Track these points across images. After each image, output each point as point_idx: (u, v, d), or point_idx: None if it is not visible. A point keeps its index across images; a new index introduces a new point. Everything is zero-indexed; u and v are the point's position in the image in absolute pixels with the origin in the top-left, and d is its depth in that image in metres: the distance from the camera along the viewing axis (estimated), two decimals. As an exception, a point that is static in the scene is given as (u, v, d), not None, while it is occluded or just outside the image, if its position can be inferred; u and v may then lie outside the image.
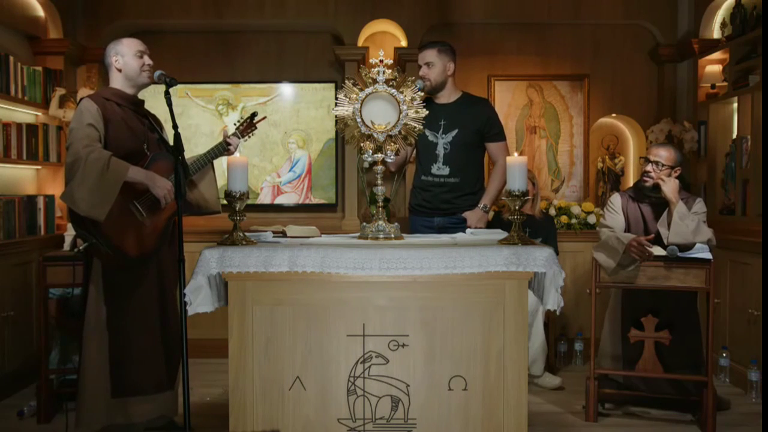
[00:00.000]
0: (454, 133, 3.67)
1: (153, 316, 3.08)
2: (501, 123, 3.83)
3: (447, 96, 3.75)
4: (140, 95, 3.19)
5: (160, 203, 3.01)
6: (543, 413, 3.69)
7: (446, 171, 3.69)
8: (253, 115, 3.40)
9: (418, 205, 3.81)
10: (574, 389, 4.02)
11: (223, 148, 3.27)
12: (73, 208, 2.86)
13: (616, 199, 3.73)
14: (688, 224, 3.41)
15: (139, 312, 3.04)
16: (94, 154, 2.84)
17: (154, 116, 3.25)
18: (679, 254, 3.41)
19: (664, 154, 3.59)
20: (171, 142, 2.68)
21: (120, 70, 3.07)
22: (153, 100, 3.25)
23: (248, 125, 3.38)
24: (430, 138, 3.66)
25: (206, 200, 3.28)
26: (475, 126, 3.69)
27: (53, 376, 3.61)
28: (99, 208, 2.81)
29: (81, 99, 3.04)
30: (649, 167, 3.60)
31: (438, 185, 3.71)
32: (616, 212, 3.69)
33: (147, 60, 3.09)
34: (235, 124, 3.39)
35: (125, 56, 3.06)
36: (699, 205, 3.58)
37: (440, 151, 3.69)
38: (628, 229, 3.64)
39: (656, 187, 3.57)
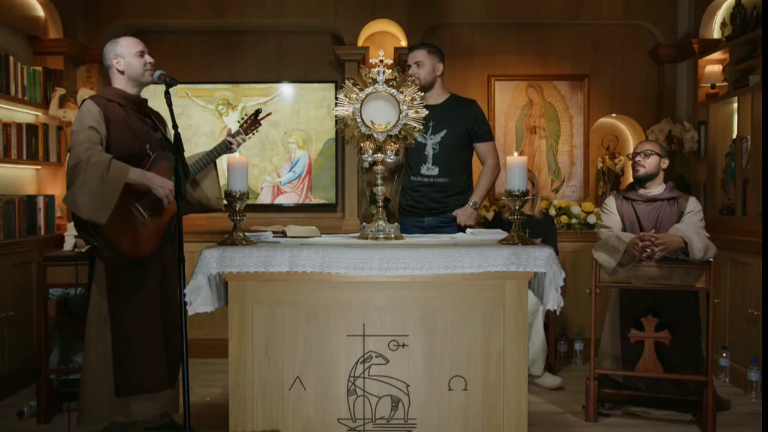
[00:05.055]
0: (443, 133, 3.70)
1: (155, 315, 3.08)
2: (489, 123, 3.89)
3: (436, 97, 3.78)
4: (140, 95, 3.19)
5: (163, 203, 3.02)
6: (543, 413, 3.69)
7: (435, 171, 3.71)
8: (258, 111, 3.40)
9: (408, 206, 3.83)
10: (574, 389, 4.02)
11: (226, 147, 3.27)
12: (75, 212, 2.86)
13: (610, 201, 3.77)
14: (703, 249, 3.39)
15: (142, 311, 3.05)
16: (94, 158, 2.83)
17: (157, 114, 3.25)
18: (679, 256, 3.42)
19: (648, 145, 3.69)
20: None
21: (122, 72, 3.07)
22: (153, 100, 3.25)
23: (252, 122, 3.37)
24: (419, 139, 3.67)
25: (208, 198, 3.29)
26: (464, 126, 3.72)
27: (53, 376, 3.61)
28: (101, 212, 2.81)
29: (83, 100, 3.03)
30: (638, 158, 3.68)
31: (427, 185, 3.73)
32: (611, 212, 3.72)
33: (148, 58, 3.08)
34: (239, 121, 3.39)
35: (126, 57, 3.05)
36: (693, 204, 3.59)
37: (429, 151, 3.72)
38: (623, 229, 3.65)
39: (646, 178, 3.65)
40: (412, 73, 3.69)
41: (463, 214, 3.70)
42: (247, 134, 3.34)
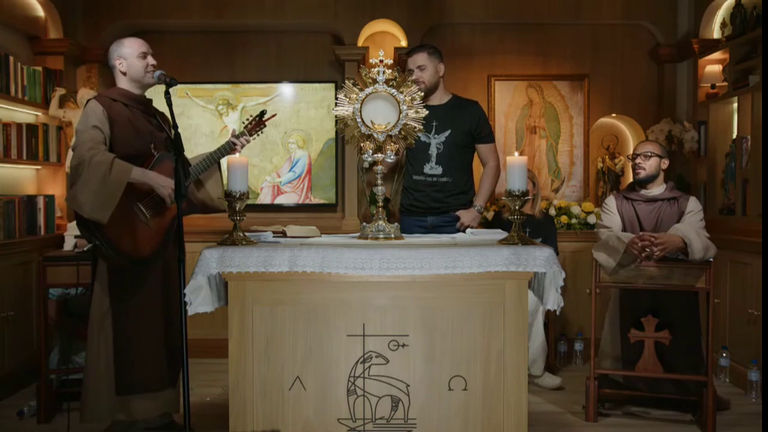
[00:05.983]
0: (447, 133, 3.70)
1: (157, 315, 3.09)
2: (490, 125, 3.89)
3: (439, 98, 3.79)
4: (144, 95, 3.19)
5: (166, 203, 3.02)
6: (543, 413, 3.69)
7: (439, 171, 3.72)
8: (263, 113, 3.38)
9: (410, 205, 3.83)
10: (574, 389, 4.02)
11: (230, 148, 3.27)
12: (77, 211, 2.87)
13: (610, 201, 3.78)
14: (702, 250, 3.38)
15: (143, 311, 3.05)
16: (97, 157, 2.84)
17: (162, 115, 3.25)
18: (679, 256, 3.42)
19: (648, 146, 3.69)
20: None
21: (125, 73, 3.07)
22: (154, 100, 3.25)
23: (257, 123, 3.36)
24: (423, 138, 3.68)
25: (212, 199, 3.30)
26: (467, 127, 3.73)
27: (53, 376, 3.62)
28: (102, 211, 2.82)
29: (88, 100, 3.04)
30: (638, 160, 3.67)
31: (430, 185, 3.74)
32: (612, 212, 3.72)
33: (150, 60, 3.08)
34: (243, 122, 3.38)
35: (128, 58, 3.05)
36: (693, 204, 3.59)
37: (433, 151, 3.72)
38: (624, 229, 3.66)
39: (647, 180, 3.65)
40: (415, 78, 3.68)
41: (467, 216, 3.70)
42: (251, 135, 3.33)
